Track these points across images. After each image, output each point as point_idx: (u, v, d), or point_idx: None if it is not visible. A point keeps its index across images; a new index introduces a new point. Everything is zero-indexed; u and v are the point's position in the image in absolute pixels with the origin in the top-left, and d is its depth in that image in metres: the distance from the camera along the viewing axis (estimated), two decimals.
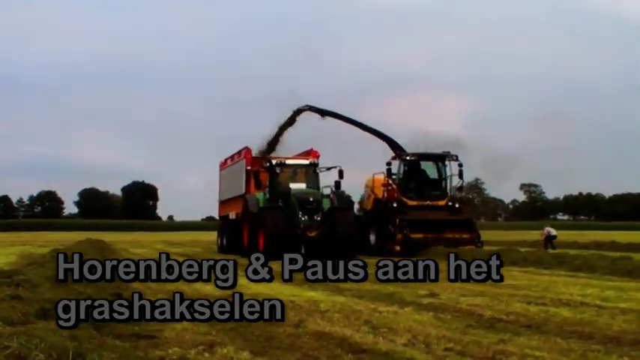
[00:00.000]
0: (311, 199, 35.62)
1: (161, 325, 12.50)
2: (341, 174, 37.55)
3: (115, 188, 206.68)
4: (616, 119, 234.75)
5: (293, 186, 37.09)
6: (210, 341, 10.48)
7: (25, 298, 11.75)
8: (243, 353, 9.54)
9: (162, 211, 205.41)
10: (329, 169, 38.27)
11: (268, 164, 38.57)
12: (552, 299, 15.90)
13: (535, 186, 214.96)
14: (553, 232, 51.47)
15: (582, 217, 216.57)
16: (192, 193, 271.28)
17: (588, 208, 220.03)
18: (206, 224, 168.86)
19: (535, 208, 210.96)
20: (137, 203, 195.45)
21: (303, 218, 35.24)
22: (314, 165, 38.41)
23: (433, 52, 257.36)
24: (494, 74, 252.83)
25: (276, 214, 34.91)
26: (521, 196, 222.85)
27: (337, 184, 37.85)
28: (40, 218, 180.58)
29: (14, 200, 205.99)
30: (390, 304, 15.15)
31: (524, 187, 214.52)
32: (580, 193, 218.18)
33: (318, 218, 35.48)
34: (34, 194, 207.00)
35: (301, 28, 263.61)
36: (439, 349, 9.72)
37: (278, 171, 37.93)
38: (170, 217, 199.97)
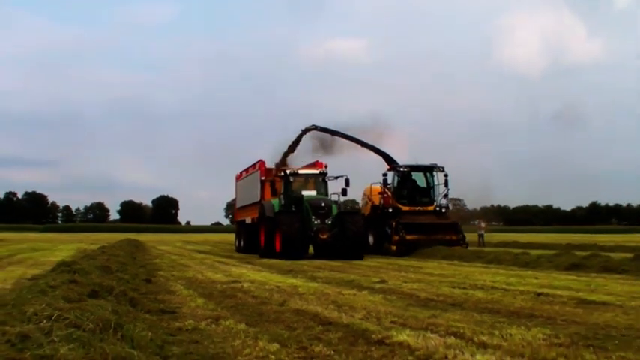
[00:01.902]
0: (323, 205, 31.03)
1: (180, 302, 12.52)
2: (347, 182, 32.83)
3: (147, 200, 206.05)
4: (517, 149, 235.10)
5: (305, 193, 32.50)
6: (216, 315, 10.51)
7: (80, 281, 11.77)
8: (241, 324, 9.53)
9: (182, 217, 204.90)
10: (336, 178, 33.44)
11: (283, 174, 33.68)
12: (471, 284, 15.96)
13: (459, 200, 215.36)
14: (482, 230, 52.27)
15: (494, 223, 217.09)
16: (203, 204, 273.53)
17: (498, 217, 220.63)
18: (214, 228, 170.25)
19: (459, 216, 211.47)
20: (163, 211, 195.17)
21: (316, 222, 30.57)
22: (323, 174, 33.61)
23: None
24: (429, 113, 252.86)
25: (292, 218, 30.58)
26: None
27: (344, 192, 32.91)
28: (91, 223, 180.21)
29: (73, 209, 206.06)
30: (351, 288, 15.13)
31: (452, 201, 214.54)
32: (492, 205, 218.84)
33: (329, 222, 30.78)
34: (88, 205, 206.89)
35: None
36: (387, 322, 9.71)
37: (292, 180, 33.25)
38: (187, 222, 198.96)
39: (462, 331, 8.76)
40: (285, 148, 41.83)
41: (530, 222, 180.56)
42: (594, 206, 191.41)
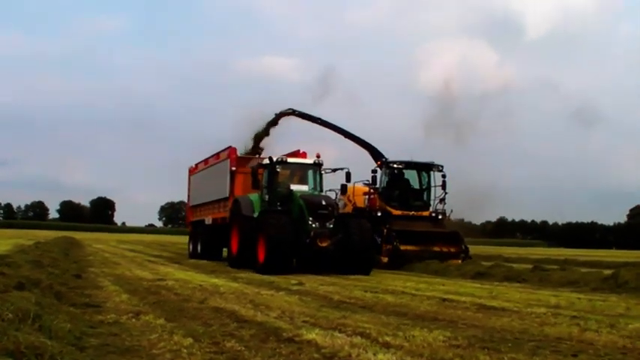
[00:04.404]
0: (324, 203, 22.64)
1: (105, 297, 12.29)
2: (348, 177, 24.72)
3: (85, 201, 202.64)
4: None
5: (295, 187, 23.77)
6: (137, 310, 10.31)
7: (8, 274, 11.63)
8: (160, 320, 9.36)
9: (118, 218, 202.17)
10: (335, 170, 25.40)
11: (269, 162, 24.50)
12: (382, 289, 15.93)
13: None
14: None
15: None
16: (138, 207, 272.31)
17: None
18: (147, 229, 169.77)
19: None
20: (100, 212, 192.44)
21: (314, 225, 22.08)
22: (318, 165, 24.70)
23: None
24: None
25: (282, 219, 21.98)
26: None
27: (344, 188, 24.84)
28: (31, 220, 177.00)
29: (15, 207, 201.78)
30: (269, 289, 15.02)
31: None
32: None
33: (331, 226, 22.41)
34: (28, 203, 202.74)
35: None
36: (299, 321, 9.63)
37: (278, 170, 24.35)
38: (123, 223, 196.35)
39: (368, 331, 8.72)
40: (253, 137, 34.50)
41: None
42: (502, 221, 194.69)
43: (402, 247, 26.87)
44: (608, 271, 20.44)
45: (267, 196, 24.17)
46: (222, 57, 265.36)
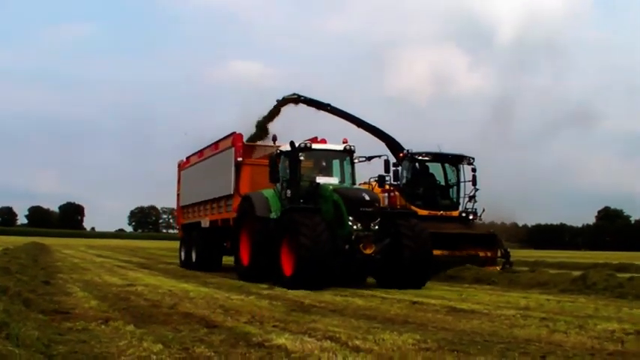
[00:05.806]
0: (367, 199, 17.79)
1: (74, 304, 12.19)
2: (387, 166, 20.34)
3: (54, 206, 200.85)
4: None
5: (322, 180, 18.94)
6: (107, 317, 10.20)
7: None
8: (129, 326, 9.28)
9: (87, 223, 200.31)
10: (370, 158, 21.70)
11: (290, 148, 19.27)
12: (352, 292, 15.95)
13: None
14: None
15: None
16: (108, 212, 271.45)
17: None
18: (117, 234, 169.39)
19: None
20: (70, 217, 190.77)
21: (354, 227, 17.36)
22: (350, 152, 19.92)
23: None
24: None
25: (315, 218, 17.08)
26: None
27: (381, 180, 20.28)
28: None
29: None
30: (239, 293, 14.97)
31: None
32: None
33: (376, 227, 17.75)
34: None
35: None
36: (269, 326, 9.63)
37: (302, 158, 19.26)
38: (92, 228, 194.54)
39: (338, 335, 8.73)
40: (258, 122, 29.59)
41: None
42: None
43: (436, 253, 21.36)
44: (576, 273, 20.64)
45: (288, 191, 19.16)
46: (190, 66, 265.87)
